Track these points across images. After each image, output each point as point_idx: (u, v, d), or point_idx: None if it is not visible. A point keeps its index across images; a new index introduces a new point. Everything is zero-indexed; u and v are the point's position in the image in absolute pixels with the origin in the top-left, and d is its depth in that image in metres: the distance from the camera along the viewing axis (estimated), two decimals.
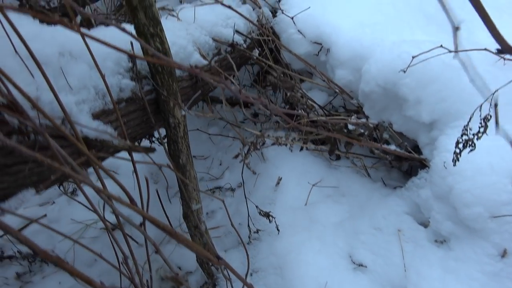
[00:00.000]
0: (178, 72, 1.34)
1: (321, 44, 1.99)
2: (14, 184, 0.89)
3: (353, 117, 1.76)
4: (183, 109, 1.29)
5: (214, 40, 1.59)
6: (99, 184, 0.98)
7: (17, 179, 0.89)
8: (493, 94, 1.06)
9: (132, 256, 1.12)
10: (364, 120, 1.71)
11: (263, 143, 1.67)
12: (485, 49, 1.35)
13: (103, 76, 0.98)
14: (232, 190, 2.20)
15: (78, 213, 2.11)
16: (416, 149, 1.73)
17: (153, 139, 1.86)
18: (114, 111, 1.07)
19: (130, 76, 1.16)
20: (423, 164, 1.67)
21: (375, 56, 1.70)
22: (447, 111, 1.51)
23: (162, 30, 1.18)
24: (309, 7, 1.97)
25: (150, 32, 1.15)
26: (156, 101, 1.27)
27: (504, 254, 1.29)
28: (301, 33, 2.01)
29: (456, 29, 0.65)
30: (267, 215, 1.73)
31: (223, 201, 1.26)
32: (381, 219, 1.66)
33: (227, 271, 1.64)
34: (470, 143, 1.14)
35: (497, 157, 1.32)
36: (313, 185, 1.89)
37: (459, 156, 1.19)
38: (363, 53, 1.78)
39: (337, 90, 1.86)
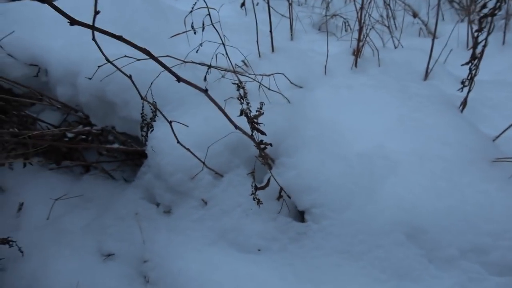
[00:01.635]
0: None
1: (37, 65, 2.06)
2: None
3: (79, 126, 1.91)
4: None
5: None
6: None
7: None
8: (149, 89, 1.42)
9: None
10: (88, 128, 1.89)
11: None
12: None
13: None
14: None
15: None
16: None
17: None
18: None
19: None
20: (146, 155, 1.99)
21: (83, 70, 1.91)
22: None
23: None
24: (13, 31, 2.01)
25: None
26: None
27: (204, 203, 1.71)
28: (12, 56, 2.02)
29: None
30: (4, 241, 1.68)
31: None
32: (122, 209, 1.88)
33: None
34: (149, 125, 1.48)
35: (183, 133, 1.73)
36: (56, 199, 1.95)
37: (146, 137, 1.52)
38: (74, 69, 1.96)
39: (59, 106, 1.98)
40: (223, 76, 2.01)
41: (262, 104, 1.57)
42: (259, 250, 1.59)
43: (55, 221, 1.90)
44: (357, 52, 2.24)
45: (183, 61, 1.87)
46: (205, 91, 1.24)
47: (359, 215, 1.46)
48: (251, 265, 1.53)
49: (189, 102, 1.89)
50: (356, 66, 2.22)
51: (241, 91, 1.52)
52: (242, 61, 2.16)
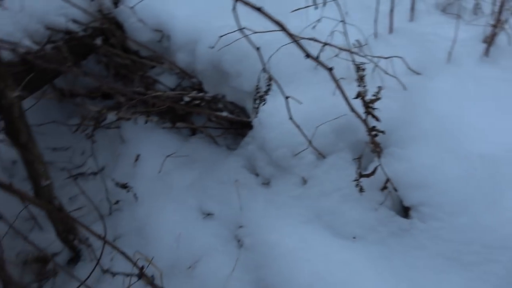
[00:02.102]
0: (8, 57, 1.42)
1: (161, 31, 2.22)
2: None
3: (193, 92, 2.03)
4: (15, 91, 1.38)
5: (47, 28, 1.69)
6: None
7: None
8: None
9: None
10: (201, 94, 2.00)
11: (104, 119, 1.83)
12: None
13: None
14: (94, 174, 2.30)
15: None
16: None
17: None
18: None
19: None
20: (251, 127, 2.05)
21: (204, 39, 2.00)
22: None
23: None
24: None
25: None
26: None
27: (304, 181, 1.72)
28: (142, 22, 2.21)
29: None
30: (123, 186, 1.91)
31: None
32: (224, 175, 1.99)
33: (89, 241, 1.78)
34: (262, 98, 1.51)
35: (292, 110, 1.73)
36: (167, 156, 2.13)
37: (257, 109, 1.55)
38: (195, 37, 2.07)
39: (177, 71, 2.12)
40: (336, 56, 1.94)
41: (380, 88, 1.49)
42: (354, 238, 1.56)
43: (164, 175, 2.09)
44: (490, 39, 1.98)
45: (300, 38, 1.84)
46: (330, 69, 1.21)
47: (475, 224, 1.33)
48: (345, 251, 1.51)
49: (299, 80, 1.88)
50: (487, 55, 1.96)
51: (360, 72, 1.46)
52: (357, 40, 2.06)
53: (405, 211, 1.57)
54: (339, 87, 1.27)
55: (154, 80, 2.22)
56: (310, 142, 1.62)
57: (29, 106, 2.04)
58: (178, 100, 1.93)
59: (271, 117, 1.72)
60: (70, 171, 2.00)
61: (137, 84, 2.10)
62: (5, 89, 1.34)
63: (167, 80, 2.35)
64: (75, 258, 1.84)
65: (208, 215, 1.88)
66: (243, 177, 1.93)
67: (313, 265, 1.47)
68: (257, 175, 1.93)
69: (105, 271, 1.32)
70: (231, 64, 1.88)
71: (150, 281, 1.31)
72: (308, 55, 1.12)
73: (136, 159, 2.17)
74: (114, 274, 1.32)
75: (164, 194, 2.00)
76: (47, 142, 2.54)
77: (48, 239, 1.97)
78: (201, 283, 1.63)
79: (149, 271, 1.69)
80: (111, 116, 1.94)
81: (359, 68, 1.41)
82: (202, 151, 2.22)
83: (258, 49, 1.28)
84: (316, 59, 1.17)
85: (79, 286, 1.62)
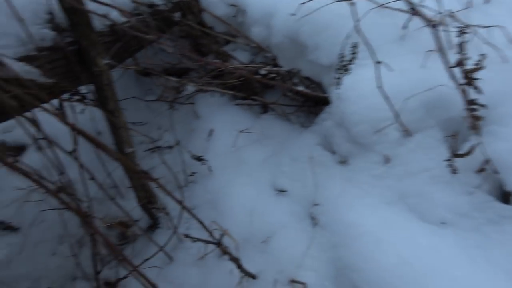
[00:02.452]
0: (98, 27, 1.48)
1: (237, 5, 2.20)
2: None
3: (268, 66, 1.99)
4: (104, 58, 1.44)
5: (133, 1, 1.74)
6: None
7: None
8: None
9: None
10: (277, 68, 1.95)
11: (183, 90, 1.86)
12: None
13: (23, 24, 1.11)
14: (170, 147, 2.38)
15: (21, 181, 2.19)
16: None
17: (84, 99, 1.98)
18: (38, 57, 1.21)
19: (50, 27, 1.30)
20: (328, 102, 1.95)
21: (280, 12, 1.93)
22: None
23: None
24: None
25: None
26: (79, 52, 1.41)
27: (387, 160, 1.60)
28: None
29: None
30: (199, 158, 1.94)
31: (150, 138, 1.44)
32: (297, 151, 1.93)
33: (167, 209, 1.84)
34: (346, 68, 1.41)
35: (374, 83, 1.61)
36: (241, 131, 2.12)
37: (339, 80, 1.46)
38: (271, 11, 2.01)
39: (254, 45, 2.08)
40: (427, 25, 1.76)
41: (483, 56, 1.32)
42: (443, 223, 1.42)
43: (237, 150, 2.09)
44: None
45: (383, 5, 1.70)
46: (433, 26, 1.07)
47: None
48: (433, 237, 1.38)
49: (384, 52, 1.73)
50: None
51: (462, 38, 1.29)
52: (449, 10, 1.85)
53: (505, 197, 1.39)
54: (440, 47, 1.13)
55: (229, 56, 2.21)
56: (397, 116, 1.49)
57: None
58: (255, 74, 1.89)
59: (350, 90, 1.62)
60: (153, 142, 2.07)
61: (212, 58, 2.11)
62: (96, 57, 1.41)
63: (241, 56, 2.33)
64: (153, 225, 1.92)
65: (281, 191, 1.85)
66: (318, 155, 1.86)
67: (397, 248, 1.37)
68: (333, 152, 1.84)
69: (186, 236, 1.34)
70: (309, 35, 1.80)
71: (226, 250, 1.30)
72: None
73: (210, 134, 2.19)
74: (194, 240, 1.34)
75: (237, 168, 2.01)
76: (126, 117, 2.69)
77: (128, 206, 2.08)
78: (274, 258, 1.61)
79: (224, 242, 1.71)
80: (190, 88, 1.97)
81: (461, 31, 1.25)
82: (274, 128, 2.18)
83: (352, 3, 1.18)
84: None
85: (158, 252, 1.68)
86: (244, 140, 2.14)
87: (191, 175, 2.01)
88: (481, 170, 1.38)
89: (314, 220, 1.68)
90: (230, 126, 2.22)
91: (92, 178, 1.31)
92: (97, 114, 2.39)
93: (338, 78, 1.46)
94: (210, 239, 1.41)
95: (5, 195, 2.07)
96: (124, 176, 2.24)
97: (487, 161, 1.35)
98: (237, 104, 2.36)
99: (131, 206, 2.08)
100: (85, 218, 1.20)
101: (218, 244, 1.26)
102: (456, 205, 1.42)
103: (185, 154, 2.05)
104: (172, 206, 1.94)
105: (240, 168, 2.00)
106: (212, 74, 1.78)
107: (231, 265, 1.58)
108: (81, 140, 1.44)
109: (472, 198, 1.40)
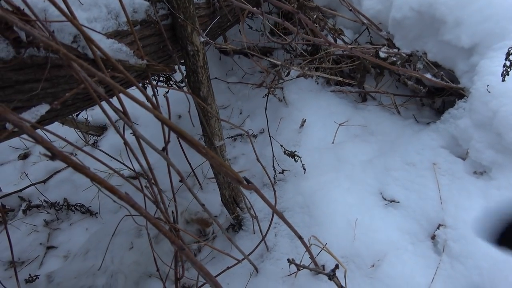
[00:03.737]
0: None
1: None
2: (28, 104, 0.83)
3: (383, 47, 1.62)
4: (201, 36, 1.20)
5: None
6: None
7: (30, 99, 0.83)
8: None
9: (160, 198, 1.07)
10: (395, 50, 1.58)
11: (288, 73, 1.56)
12: None
13: None
14: (254, 136, 2.13)
15: (101, 164, 2.10)
16: (452, 80, 1.61)
17: (171, 82, 1.78)
18: (130, 33, 0.99)
19: None
20: (461, 95, 1.55)
21: None
22: (491, 31, 1.37)
23: None
24: None
25: None
26: (173, 27, 1.18)
27: None
28: None
29: None
30: (292, 154, 1.66)
31: (247, 133, 1.19)
32: (414, 154, 1.57)
33: (253, 210, 1.61)
34: None
35: None
36: (340, 124, 1.80)
37: (509, 69, 1.07)
38: None
39: (365, 21, 1.72)
40: None
41: None
42: None
43: (336, 146, 1.78)
44: None
45: None
46: None
47: None
48: None
49: None
50: None
51: None
52: None
53: None
54: None
55: (341, 32, 1.85)
56: None
57: None
58: (376, 56, 1.54)
59: (510, 84, 1.21)
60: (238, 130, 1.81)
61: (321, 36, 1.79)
62: (193, 33, 1.16)
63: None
64: (235, 226, 1.70)
65: (392, 202, 1.51)
66: (443, 161, 1.48)
67: None
68: (463, 159, 1.46)
69: (291, 263, 1.08)
70: (450, 8, 1.40)
71: (340, 284, 1.02)
72: None
73: (302, 125, 1.90)
74: (300, 268, 1.07)
75: (336, 168, 1.70)
76: None
77: (208, 200, 1.90)
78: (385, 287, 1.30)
79: (321, 258, 1.44)
80: (292, 72, 1.67)
81: None
82: (381, 121, 1.82)
83: None
84: None
85: (242, 260, 1.46)
86: (344, 134, 1.81)
87: (281, 173, 1.75)
88: None
89: (436, 246, 1.34)
90: (325, 117, 1.90)
91: (181, 181, 1.09)
92: (179, 95, 2.22)
93: (509, 66, 1.06)
94: (319, 268, 1.14)
95: (84, 177, 1.99)
96: (205, 165, 2.06)
97: None
98: (332, 91, 2.03)
99: (211, 200, 1.89)
100: (172, 232, 0.99)
101: (332, 276, 0.99)
102: None
103: (275, 146, 1.78)
104: (259, 207, 1.71)
105: (339, 169, 1.69)
106: (307, 58, 1.46)
107: (328, 286, 1.32)
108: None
109: None
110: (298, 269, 1.16)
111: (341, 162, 1.72)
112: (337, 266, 1.00)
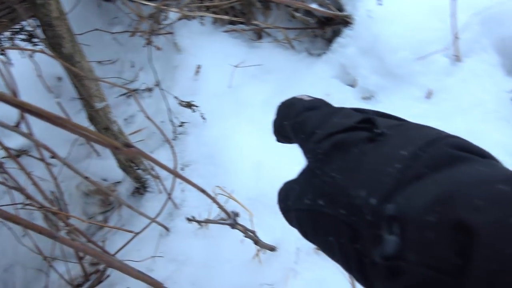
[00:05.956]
0: None
1: None
2: None
3: None
4: None
5: None
6: None
7: None
8: None
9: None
10: None
11: (165, 18, 1.41)
12: None
13: None
14: (150, 90, 1.97)
15: None
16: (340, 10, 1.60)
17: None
18: None
19: None
20: (347, 23, 1.55)
21: None
22: None
23: None
24: None
25: None
26: None
27: (429, 95, 1.28)
28: None
29: None
30: (189, 105, 1.56)
31: (132, 91, 1.05)
32: (308, 87, 1.58)
33: (154, 170, 1.52)
34: None
35: None
36: (235, 66, 1.72)
37: None
38: None
39: None
40: None
41: None
42: None
43: (233, 89, 1.72)
44: None
45: None
46: None
47: None
48: None
49: None
50: None
51: None
52: None
53: None
54: None
55: None
56: (456, 37, 1.14)
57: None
58: None
59: (393, 6, 1.23)
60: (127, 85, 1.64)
61: None
62: None
63: None
64: (140, 188, 1.60)
65: None
66: (335, 90, 1.51)
67: None
68: (353, 86, 1.51)
69: (191, 220, 1.04)
70: None
71: (245, 229, 1.01)
72: None
73: (197, 72, 1.78)
74: (202, 222, 1.04)
75: (236, 113, 1.65)
76: (91, 54, 2.20)
77: (108, 166, 1.74)
78: None
79: (230, 205, 1.43)
80: (171, 15, 1.50)
81: None
82: (276, 58, 1.78)
83: None
84: None
85: (149, 224, 1.39)
86: (241, 76, 1.74)
87: (180, 126, 1.65)
88: None
89: None
90: (221, 60, 1.80)
91: (53, 157, 0.94)
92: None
93: None
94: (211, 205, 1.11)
95: None
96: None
97: None
98: (225, 32, 1.92)
99: (111, 165, 1.74)
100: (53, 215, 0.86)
101: (234, 225, 0.97)
102: None
103: (170, 99, 1.66)
104: (164, 163, 1.61)
105: (240, 113, 1.64)
106: None
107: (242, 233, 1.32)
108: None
109: None
110: (200, 225, 1.13)
111: (241, 105, 1.67)
112: (237, 214, 0.98)
